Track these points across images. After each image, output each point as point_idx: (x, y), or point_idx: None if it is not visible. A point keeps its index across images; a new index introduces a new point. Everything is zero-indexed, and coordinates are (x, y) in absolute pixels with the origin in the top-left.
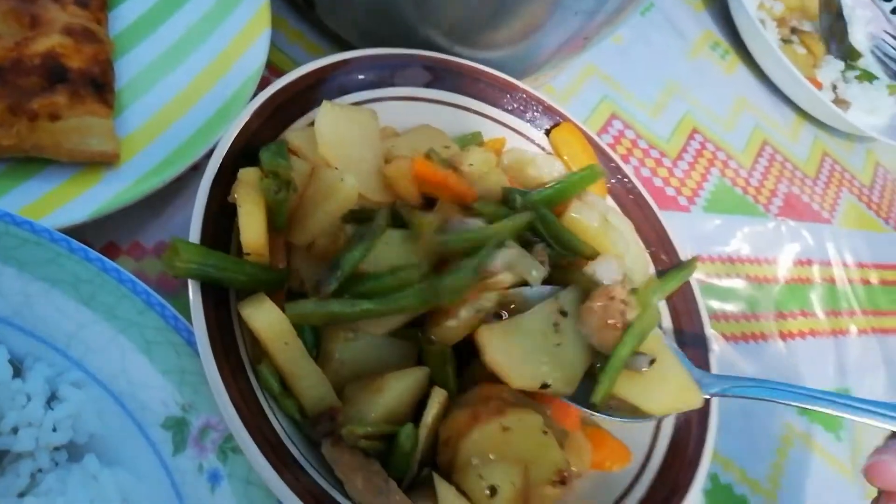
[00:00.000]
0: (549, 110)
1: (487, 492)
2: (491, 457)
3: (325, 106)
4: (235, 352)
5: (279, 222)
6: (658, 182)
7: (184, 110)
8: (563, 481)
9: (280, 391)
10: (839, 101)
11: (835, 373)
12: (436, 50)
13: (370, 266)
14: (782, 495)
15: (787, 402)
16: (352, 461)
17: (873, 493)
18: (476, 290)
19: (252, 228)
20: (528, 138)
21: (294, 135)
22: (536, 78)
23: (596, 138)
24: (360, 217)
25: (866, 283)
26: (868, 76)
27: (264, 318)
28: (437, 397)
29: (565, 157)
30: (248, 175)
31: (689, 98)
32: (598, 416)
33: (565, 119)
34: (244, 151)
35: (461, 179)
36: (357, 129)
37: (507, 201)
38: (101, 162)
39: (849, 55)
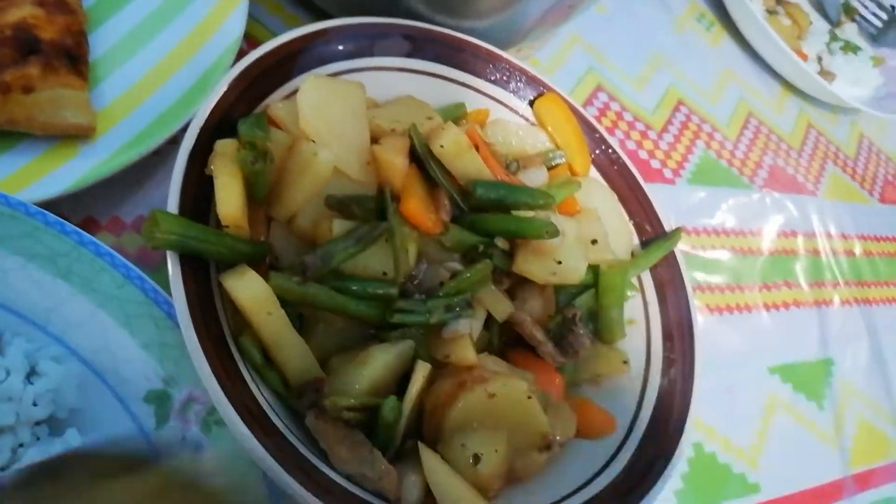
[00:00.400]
0: (532, 80)
1: (471, 460)
2: (474, 425)
3: (310, 79)
4: (217, 324)
5: (258, 194)
6: (643, 154)
7: (161, 82)
8: (548, 446)
9: (262, 363)
10: (824, 73)
11: (818, 343)
12: (417, 19)
13: (353, 264)
14: (765, 462)
15: None
16: (336, 432)
17: (856, 459)
18: None
19: (229, 200)
20: (511, 109)
21: (276, 106)
22: (520, 49)
23: (580, 109)
24: (345, 206)
25: (850, 254)
26: (852, 48)
27: (247, 289)
28: (422, 371)
29: (549, 129)
30: (224, 146)
31: (675, 70)
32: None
33: (549, 90)
34: (222, 123)
35: (437, 220)
36: (341, 104)
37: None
38: (77, 135)
39: (844, 10)
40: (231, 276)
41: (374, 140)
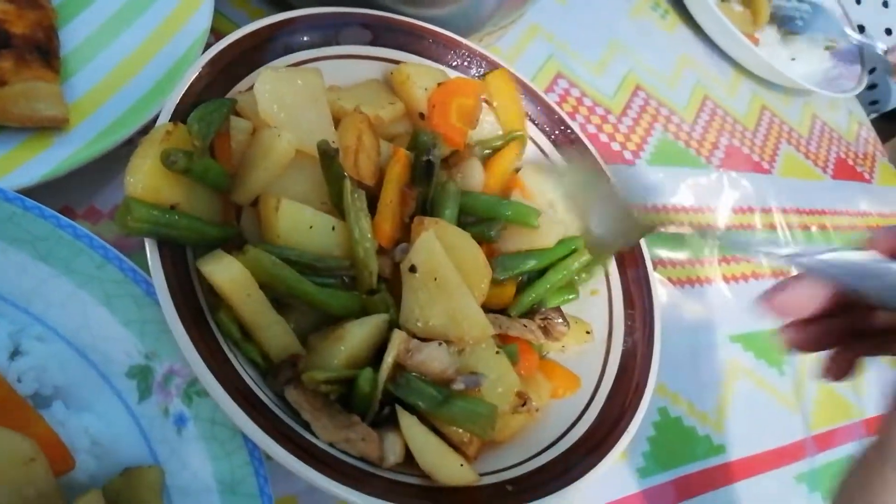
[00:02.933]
0: (493, 66)
1: None
2: None
3: (265, 72)
4: (195, 300)
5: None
6: (604, 138)
7: (131, 75)
8: (524, 402)
9: (241, 338)
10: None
11: None
12: (380, 8)
13: None
14: (729, 425)
15: None
16: (315, 402)
17: (817, 421)
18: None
19: (135, 176)
20: None
21: (239, 97)
22: (482, 38)
23: (538, 91)
24: None
25: (805, 227)
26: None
27: (224, 273)
28: (398, 339)
29: (495, 105)
30: (154, 132)
31: (632, 56)
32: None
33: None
34: (191, 111)
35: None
36: (300, 90)
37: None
38: (52, 126)
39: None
40: (208, 262)
41: (337, 120)
